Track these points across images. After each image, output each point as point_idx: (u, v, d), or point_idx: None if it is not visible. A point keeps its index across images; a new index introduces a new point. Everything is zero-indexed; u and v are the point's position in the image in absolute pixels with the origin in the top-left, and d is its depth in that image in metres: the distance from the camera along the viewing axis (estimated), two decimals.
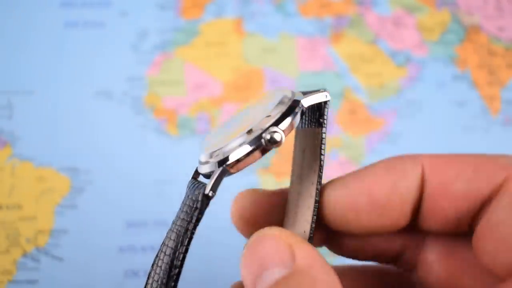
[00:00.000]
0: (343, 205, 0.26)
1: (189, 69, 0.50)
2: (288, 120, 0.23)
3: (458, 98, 0.51)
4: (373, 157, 0.49)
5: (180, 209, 0.24)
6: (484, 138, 0.50)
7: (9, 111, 0.47)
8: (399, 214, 0.26)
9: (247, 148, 0.23)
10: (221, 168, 0.23)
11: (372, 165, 0.26)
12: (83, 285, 0.44)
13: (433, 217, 0.25)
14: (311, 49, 0.51)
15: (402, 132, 0.50)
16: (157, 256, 0.24)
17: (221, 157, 0.23)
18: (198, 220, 0.23)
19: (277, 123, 0.23)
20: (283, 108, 0.24)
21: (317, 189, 0.27)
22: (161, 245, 0.24)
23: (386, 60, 0.52)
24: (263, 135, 0.23)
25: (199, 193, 0.23)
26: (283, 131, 0.23)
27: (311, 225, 0.27)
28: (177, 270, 0.22)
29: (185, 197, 0.24)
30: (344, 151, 0.49)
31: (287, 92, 0.25)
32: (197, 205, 0.23)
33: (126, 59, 0.50)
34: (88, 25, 0.50)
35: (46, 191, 0.46)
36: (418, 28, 0.52)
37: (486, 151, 0.49)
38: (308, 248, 0.22)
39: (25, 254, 0.44)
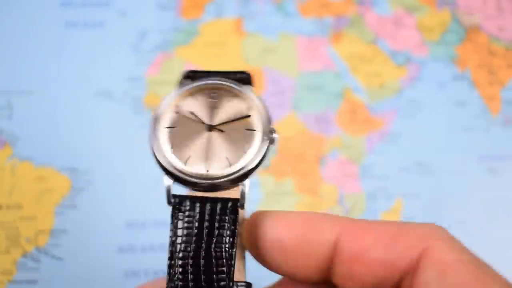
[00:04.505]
0: (257, 243, 0.27)
1: (189, 69, 0.50)
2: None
3: (458, 98, 0.51)
4: (373, 157, 0.49)
5: (190, 232, 0.26)
6: (484, 138, 0.50)
7: (9, 111, 0.47)
8: (307, 266, 0.26)
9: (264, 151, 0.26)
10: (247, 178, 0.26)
11: (295, 213, 0.27)
12: (83, 285, 0.44)
13: (349, 280, 0.25)
14: (311, 49, 0.51)
15: (402, 132, 0.50)
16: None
17: (244, 169, 0.26)
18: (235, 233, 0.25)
19: (270, 121, 0.27)
20: (259, 108, 0.27)
21: None
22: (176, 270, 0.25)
23: (386, 60, 0.52)
24: (273, 136, 0.26)
25: (226, 206, 0.25)
26: None
27: None
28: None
29: (198, 219, 0.26)
30: (344, 151, 0.49)
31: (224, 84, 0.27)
32: (236, 217, 0.25)
33: (126, 59, 0.50)
34: (88, 25, 0.50)
35: (46, 191, 0.46)
36: (418, 28, 0.52)
37: (486, 151, 0.49)
38: None
39: (25, 254, 0.44)
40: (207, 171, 0.26)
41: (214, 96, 0.27)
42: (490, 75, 0.51)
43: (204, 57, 0.50)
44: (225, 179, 0.25)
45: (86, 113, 0.48)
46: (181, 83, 0.28)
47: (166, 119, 0.27)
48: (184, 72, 0.29)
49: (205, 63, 0.50)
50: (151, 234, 0.45)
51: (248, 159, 0.26)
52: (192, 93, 0.28)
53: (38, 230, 0.45)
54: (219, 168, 0.26)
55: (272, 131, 0.26)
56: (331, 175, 0.48)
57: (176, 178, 0.26)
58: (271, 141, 0.26)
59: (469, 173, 0.49)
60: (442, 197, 0.48)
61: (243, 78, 0.28)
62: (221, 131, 0.26)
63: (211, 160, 0.26)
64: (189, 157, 0.26)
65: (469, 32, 0.53)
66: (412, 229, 0.24)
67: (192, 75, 0.29)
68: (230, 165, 0.26)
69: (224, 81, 0.28)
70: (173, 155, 0.26)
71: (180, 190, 0.26)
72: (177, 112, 0.27)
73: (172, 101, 0.27)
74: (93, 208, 0.45)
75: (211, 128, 0.27)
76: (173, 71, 0.50)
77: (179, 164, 0.26)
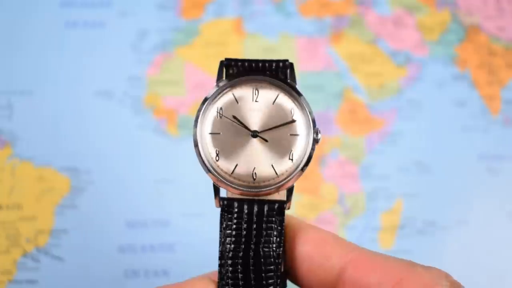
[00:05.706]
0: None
1: (189, 69, 0.50)
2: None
3: (458, 98, 0.51)
4: (373, 157, 0.49)
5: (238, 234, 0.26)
6: (484, 138, 0.50)
7: (9, 111, 0.47)
8: (309, 283, 0.27)
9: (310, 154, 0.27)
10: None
11: (314, 230, 0.27)
12: (83, 285, 0.44)
13: None
14: (311, 49, 0.51)
15: (402, 132, 0.50)
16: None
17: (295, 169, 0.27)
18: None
19: (315, 123, 0.28)
20: (302, 108, 0.28)
21: None
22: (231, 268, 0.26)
23: (386, 60, 0.52)
24: (318, 137, 0.28)
25: (273, 208, 0.27)
26: None
27: None
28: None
29: (246, 222, 0.27)
30: (344, 151, 0.49)
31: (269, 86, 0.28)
32: (282, 218, 0.27)
33: (126, 59, 0.50)
34: (88, 25, 0.50)
35: (46, 191, 0.46)
36: (418, 28, 0.52)
37: (486, 151, 0.49)
38: None
39: (25, 254, 0.44)
40: (254, 179, 0.27)
41: (257, 96, 0.28)
42: (490, 75, 0.51)
43: (204, 57, 0.50)
44: (272, 187, 0.27)
45: (86, 113, 0.48)
46: (221, 76, 0.29)
47: (209, 124, 0.28)
48: (223, 61, 0.29)
49: (205, 63, 0.50)
50: (151, 234, 0.45)
51: (294, 166, 0.27)
52: (234, 92, 0.28)
53: (38, 230, 0.45)
54: (265, 176, 0.27)
55: (317, 132, 0.27)
56: (331, 175, 0.48)
57: (225, 185, 0.27)
58: (316, 142, 0.27)
59: (469, 173, 0.49)
60: (442, 197, 0.48)
61: (285, 67, 0.29)
62: (266, 140, 0.27)
63: (257, 168, 0.27)
64: (236, 165, 0.27)
65: (469, 32, 0.53)
66: (418, 274, 0.25)
67: (231, 64, 0.29)
68: (276, 173, 0.27)
69: (267, 77, 0.28)
70: (219, 162, 0.27)
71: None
72: (220, 117, 0.28)
73: (214, 103, 0.28)
74: (93, 208, 0.46)
75: (255, 134, 0.27)
76: (173, 71, 0.50)
77: (227, 173, 0.27)
